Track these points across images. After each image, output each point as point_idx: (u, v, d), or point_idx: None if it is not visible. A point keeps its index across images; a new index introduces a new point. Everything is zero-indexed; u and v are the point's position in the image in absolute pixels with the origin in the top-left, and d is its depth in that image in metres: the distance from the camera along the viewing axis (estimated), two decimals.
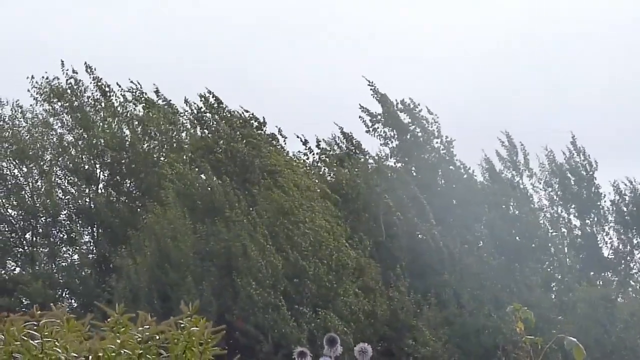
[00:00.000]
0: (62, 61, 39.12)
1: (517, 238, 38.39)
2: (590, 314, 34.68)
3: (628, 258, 41.95)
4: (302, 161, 37.86)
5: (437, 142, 39.06)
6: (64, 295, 38.52)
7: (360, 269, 33.78)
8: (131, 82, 39.15)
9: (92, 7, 62.05)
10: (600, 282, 40.24)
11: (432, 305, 33.91)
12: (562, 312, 35.13)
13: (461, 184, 38.50)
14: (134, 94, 39.16)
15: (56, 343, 4.83)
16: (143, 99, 39.13)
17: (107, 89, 39.27)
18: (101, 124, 39.22)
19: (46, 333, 4.88)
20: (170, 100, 39.21)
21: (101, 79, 39.25)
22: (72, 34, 61.55)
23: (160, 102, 39.26)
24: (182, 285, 32.27)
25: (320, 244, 32.84)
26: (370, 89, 38.99)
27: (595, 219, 41.84)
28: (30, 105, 39.90)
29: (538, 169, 41.72)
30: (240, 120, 37.20)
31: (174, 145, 38.89)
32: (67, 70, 39.13)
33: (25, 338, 4.85)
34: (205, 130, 37.63)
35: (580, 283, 37.17)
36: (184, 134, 39.18)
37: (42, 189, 39.34)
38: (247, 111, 37.59)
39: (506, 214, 38.93)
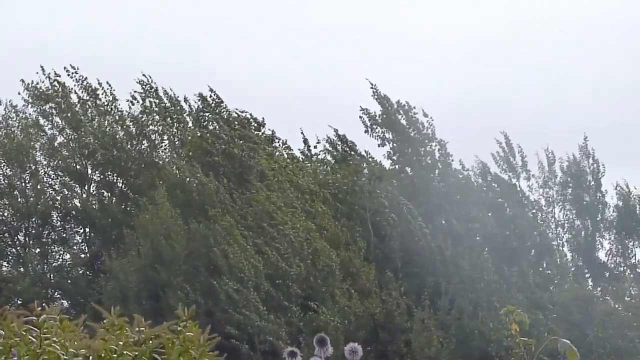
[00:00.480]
0: (42, 67, 39.15)
1: (513, 240, 38.42)
2: (566, 316, 34.79)
3: (620, 260, 42.00)
4: (296, 162, 37.83)
5: (433, 145, 39.10)
6: (55, 295, 38.47)
7: (355, 271, 33.74)
8: (137, 87, 39.01)
9: (92, 7, 62.03)
10: (598, 287, 40.30)
11: (425, 307, 33.86)
12: (546, 312, 35.06)
13: (457, 186, 38.52)
14: (143, 86, 38.76)
15: (55, 339, 4.85)
16: (149, 95, 38.86)
17: (95, 88, 39.16)
18: (92, 123, 39.10)
19: (45, 330, 4.91)
20: (177, 96, 39.06)
21: (86, 78, 39.19)
22: (72, 34, 61.56)
23: (163, 101, 38.99)
24: (172, 285, 32.21)
25: (301, 245, 32.80)
26: (372, 91, 39.13)
27: (596, 222, 41.83)
28: (23, 105, 39.92)
29: (537, 170, 41.77)
30: (238, 120, 37.22)
31: (176, 143, 38.67)
32: (49, 74, 39.07)
33: (24, 333, 4.88)
34: (204, 130, 37.56)
35: (572, 284, 37.23)
36: (186, 133, 38.95)
37: (34, 190, 39.28)
38: (243, 112, 37.59)
39: (503, 215, 38.95)
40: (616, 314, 35.57)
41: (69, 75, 39.04)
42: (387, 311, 33.42)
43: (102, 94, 39.28)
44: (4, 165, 39.38)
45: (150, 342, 5.00)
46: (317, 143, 38.94)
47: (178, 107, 38.86)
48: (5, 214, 39.51)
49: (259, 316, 31.15)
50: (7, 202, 39.29)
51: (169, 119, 38.64)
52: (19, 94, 39.17)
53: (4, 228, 39.48)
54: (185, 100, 38.52)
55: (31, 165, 39.45)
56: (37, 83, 39.06)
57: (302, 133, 38.60)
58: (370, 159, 38.91)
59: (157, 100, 38.66)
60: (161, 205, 34.10)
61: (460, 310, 34.21)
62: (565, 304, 35.41)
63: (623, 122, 55.76)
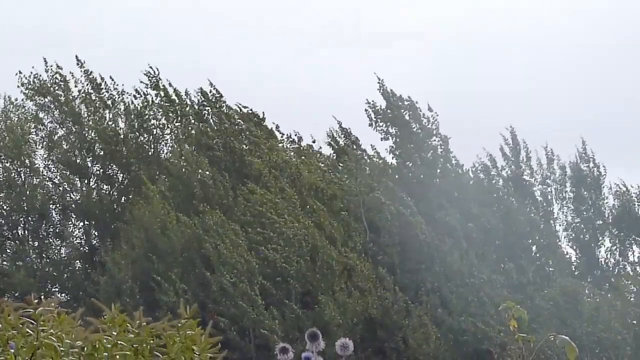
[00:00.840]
0: (45, 59, 39.06)
1: (513, 236, 38.47)
2: (556, 312, 34.90)
3: (620, 259, 42.10)
4: (299, 157, 37.82)
5: (436, 140, 39.17)
6: (52, 288, 38.49)
7: (351, 268, 33.73)
8: (137, 85, 38.90)
9: (92, 7, 62.09)
10: (597, 285, 40.38)
11: (423, 303, 33.86)
12: (538, 309, 35.10)
13: (458, 182, 38.58)
14: (149, 77, 38.54)
15: (52, 331, 4.85)
16: (153, 87, 38.68)
17: (99, 82, 39.08)
18: (93, 116, 39.04)
19: (42, 322, 4.91)
20: (180, 94, 38.89)
21: (92, 72, 39.12)
22: (72, 34, 61.63)
23: (168, 93, 38.81)
24: (167, 279, 32.21)
25: (300, 243, 32.81)
26: (379, 85, 39.29)
27: (595, 221, 41.92)
28: (22, 99, 39.89)
29: (537, 168, 41.83)
30: (239, 114, 37.23)
31: (182, 136, 38.52)
32: (51, 66, 38.95)
33: (21, 325, 4.88)
34: (205, 124, 37.51)
35: (570, 281, 37.27)
36: (189, 127, 38.82)
37: (33, 183, 39.26)
38: (245, 107, 37.59)
39: (504, 211, 39.00)
40: (604, 307, 35.66)
41: (78, 64, 38.97)
42: (384, 308, 33.41)
43: (105, 87, 39.23)
44: (2, 159, 39.35)
45: (152, 341, 5.00)
46: (313, 142, 39.00)
47: (181, 102, 38.71)
48: (4, 208, 39.50)
49: (255, 309, 31.19)
50: (5, 196, 39.27)
51: (171, 113, 38.55)
52: (18, 87, 39.17)
53: (2, 222, 39.47)
54: (187, 94, 38.47)
55: (29, 159, 39.40)
56: (35, 75, 38.97)
57: (296, 134, 38.64)
58: (373, 154, 39.02)
59: (162, 93, 38.50)
60: (153, 199, 34.15)
61: (451, 306, 34.25)
62: (555, 299, 35.50)
63: (623, 122, 55.92)
